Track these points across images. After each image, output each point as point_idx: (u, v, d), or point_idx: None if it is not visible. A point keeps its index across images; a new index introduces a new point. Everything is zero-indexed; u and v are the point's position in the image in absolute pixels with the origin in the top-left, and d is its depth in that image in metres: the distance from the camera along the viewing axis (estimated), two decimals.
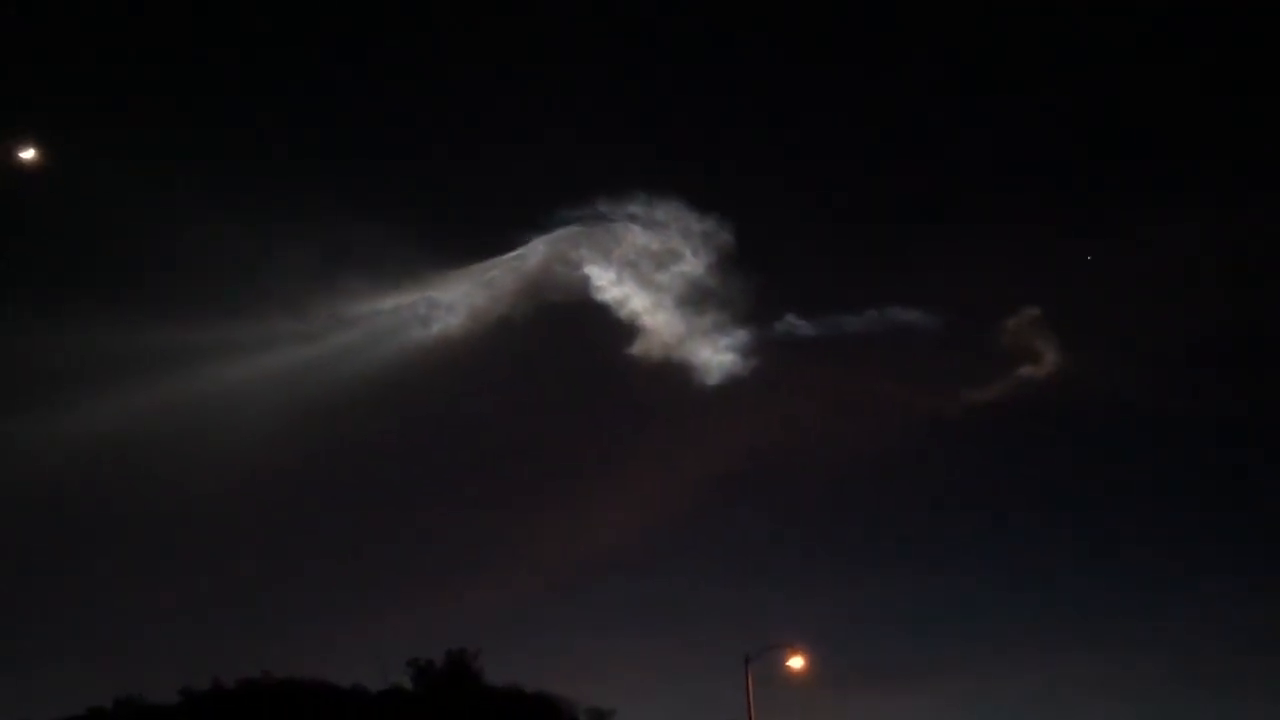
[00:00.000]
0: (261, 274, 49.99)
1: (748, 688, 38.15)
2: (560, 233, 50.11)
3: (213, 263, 49.81)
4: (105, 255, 49.45)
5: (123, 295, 48.93)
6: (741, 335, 51.63)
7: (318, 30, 50.50)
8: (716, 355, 51.49)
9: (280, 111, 51.36)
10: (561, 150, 51.79)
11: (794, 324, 52.20)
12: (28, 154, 45.19)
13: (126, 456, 47.63)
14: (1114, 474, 54.58)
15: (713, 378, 51.54)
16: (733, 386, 51.53)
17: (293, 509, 50.71)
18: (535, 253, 50.24)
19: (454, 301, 50.28)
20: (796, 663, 38.12)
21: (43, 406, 46.97)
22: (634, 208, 50.10)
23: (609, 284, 50.63)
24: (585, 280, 50.47)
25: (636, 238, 50.70)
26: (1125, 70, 51.68)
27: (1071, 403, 53.13)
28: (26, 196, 46.02)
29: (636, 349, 51.11)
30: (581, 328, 51.41)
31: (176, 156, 49.26)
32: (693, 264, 50.85)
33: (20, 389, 46.90)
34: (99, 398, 47.06)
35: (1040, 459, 55.02)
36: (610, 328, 50.75)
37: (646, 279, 50.96)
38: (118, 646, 45.64)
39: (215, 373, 48.47)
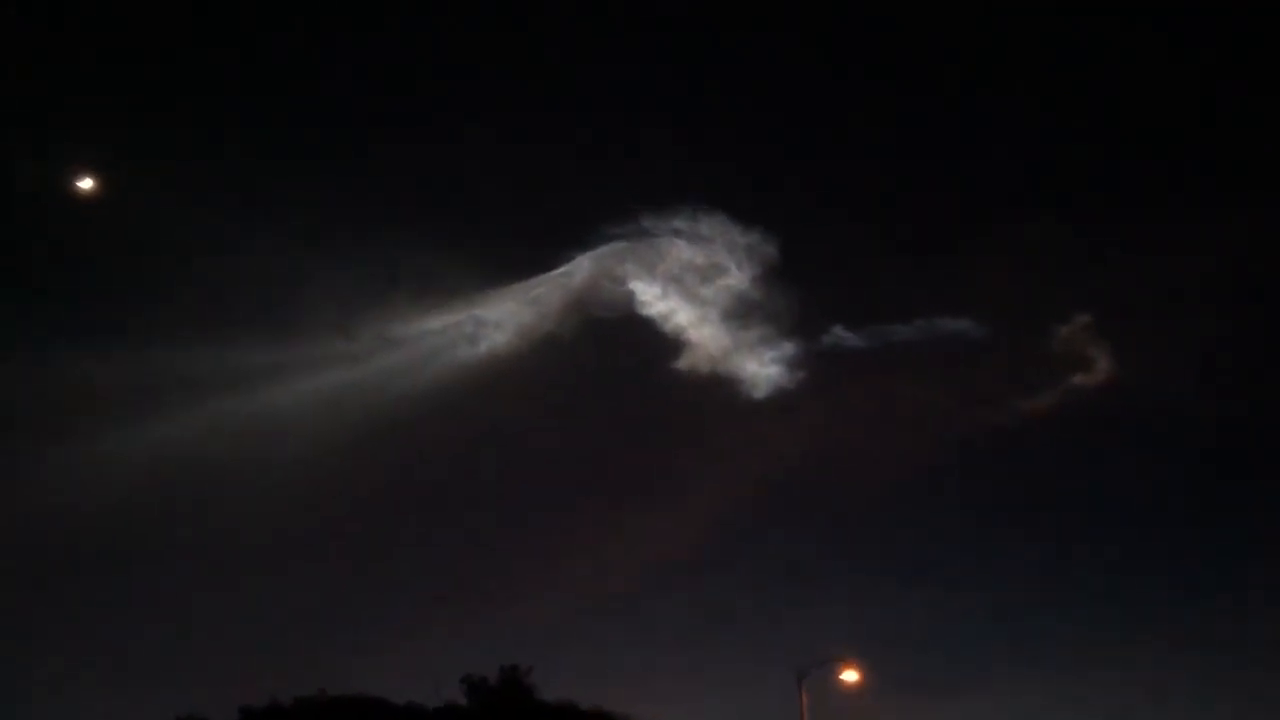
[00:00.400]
0: (310, 296, 50.75)
1: (801, 706, 38.00)
2: (605, 249, 50.47)
3: (262, 286, 50.67)
4: (157, 281, 50.50)
5: (175, 320, 49.97)
6: (788, 348, 51.56)
7: (361, 55, 51.21)
8: (763, 368, 51.45)
9: (327, 136, 52.02)
10: (605, 167, 52.25)
11: (841, 336, 52.05)
12: (85, 184, 46.72)
13: (178, 478, 48.39)
14: (1170, 483, 53.54)
15: (759, 391, 51.49)
16: (780, 399, 51.48)
17: (344, 528, 51.10)
18: (581, 269, 50.64)
19: (501, 319, 50.76)
20: (850, 675, 37.94)
21: (95, 429, 47.88)
22: (678, 223, 50.36)
23: (654, 299, 50.88)
24: (630, 296, 50.76)
25: (681, 252, 50.92)
26: (1177, 70, 51.15)
27: (1125, 411, 52.24)
28: (83, 225, 47.53)
29: (683, 363, 51.24)
30: (627, 343, 51.66)
31: (226, 184, 50.24)
32: (738, 277, 50.94)
33: (74, 412, 47.75)
34: (151, 420, 48.03)
35: (1093, 468, 54.01)
36: (656, 342, 50.99)
37: (692, 293, 51.13)
38: (175, 666, 46.14)
39: (266, 394, 49.19)
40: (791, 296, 51.36)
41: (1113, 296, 52.08)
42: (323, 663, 46.03)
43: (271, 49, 50.53)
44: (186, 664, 46.29)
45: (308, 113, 51.93)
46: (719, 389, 51.13)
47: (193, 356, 48.57)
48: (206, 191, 49.25)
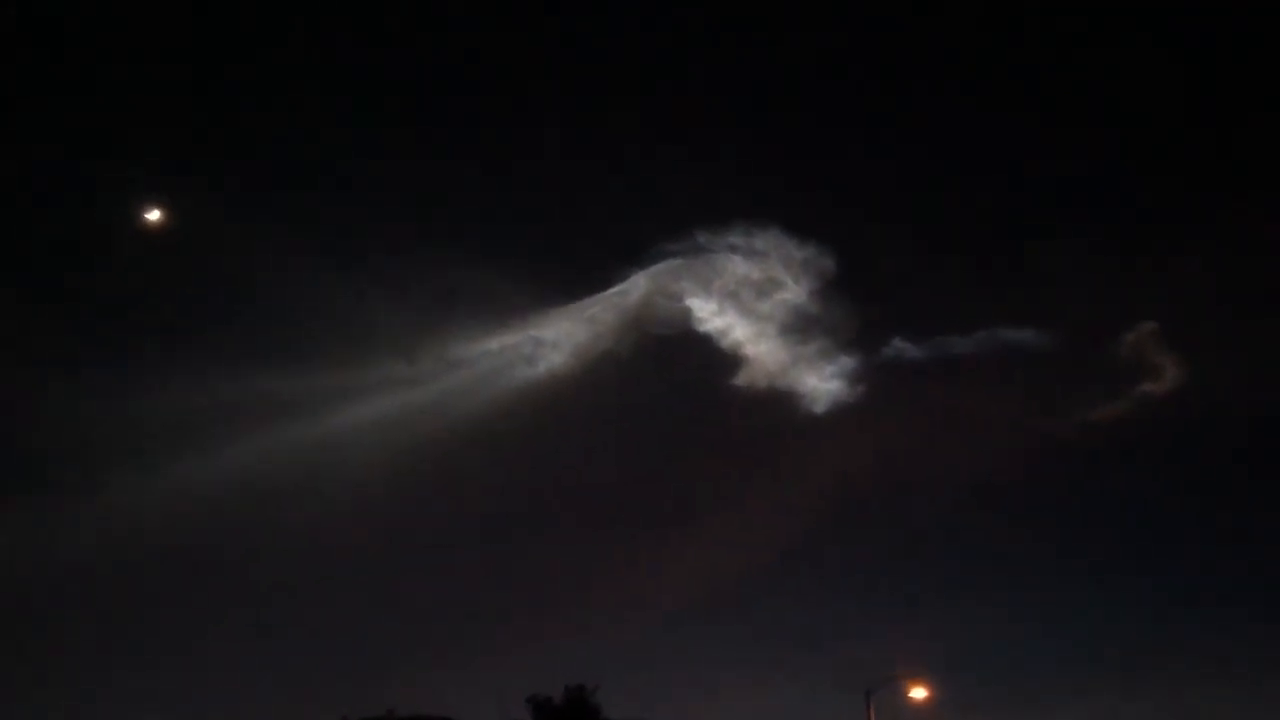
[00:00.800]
0: (373, 321, 51.49)
1: None
2: (661, 266, 50.52)
3: (326, 313, 51.48)
4: (224, 310, 51.65)
5: (240, 347, 51.06)
6: (847, 361, 51.21)
7: (419, 82, 51.97)
8: (823, 383, 51.13)
9: (388, 166, 52.82)
10: (659, 184, 52.30)
11: (901, 348, 51.61)
12: (153, 216, 47.95)
13: (246, 502, 49.19)
14: (1242, 492, 52.23)
15: (820, 405, 51.17)
16: (840, 413, 51.08)
17: (409, 549, 51.61)
18: (636, 287, 50.73)
19: (558, 339, 51.06)
20: (919, 693, 37.48)
21: (163, 456, 49.03)
22: (733, 238, 50.24)
23: (711, 315, 50.79)
24: (687, 312, 50.74)
25: (737, 268, 50.80)
26: (1239, 69, 50.24)
27: (1195, 419, 50.93)
28: (151, 256, 48.73)
29: (741, 379, 51.08)
30: (685, 360, 51.63)
31: (288, 214, 51.25)
32: (795, 291, 50.69)
33: (142, 440, 48.89)
34: (220, 446, 48.96)
35: (1163, 478, 52.72)
36: (714, 359, 50.90)
37: (749, 308, 50.99)
38: (244, 688, 46.80)
39: (331, 418, 49.96)
40: (850, 309, 51.10)
41: (1179, 301, 51.08)
42: (391, 683, 46.51)
43: (333, 83, 51.51)
44: (255, 686, 47.00)
45: (368, 143, 52.86)
46: (778, 404, 51.00)
47: (259, 382, 49.49)
48: (270, 222, 50.27)
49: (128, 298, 50.39)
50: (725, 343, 50.90)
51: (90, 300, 50.30)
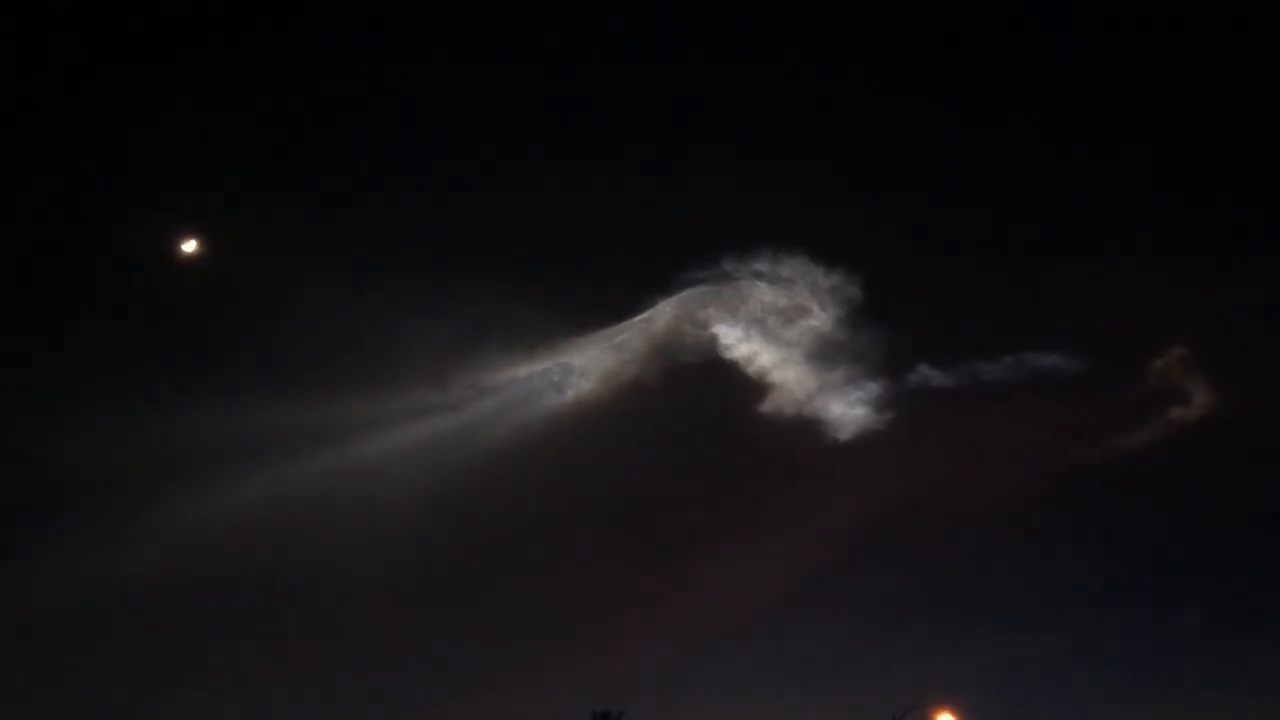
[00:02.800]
0: (404, 349, 52.18)
1: None
2: (687, 293, 50.98)
3: (358, 341, 52.18)
4: (256, 340, 52.35)
5: (274, 376, 51.68)
6: (873, 388, 51.26)
7: (447, 110, 52.69)
8: (849, 410, 51.19)
9: (418, 194, 53.58)
10: (686, 212, 52.57)
11: (927, 374, 51.56)
12: (188, 246, 49.01)
13: (276, 528, 49.80)
14: (1278, 519, 51.40)
15: (845, 433, 51.22)
16: (866, 441, 51.09)
17: (439, 574, 52.00)
18: (663, 315, 51.20)
19: (586, 366, 51.65)
20: None
21: (196, 483, 49.62)
22: (759, 265, 50.60)
23: (737, 342, 51.14)
24: (713, 339, 51.12)
25: (763, 295, 51.11)
26: (1268, 96, 49.87)
27: (1226, 445, 50.25)
28: (185, 286, 49.70)
29: (767, 406, 51.26)
30: (712, 387, 51.85)
31: (319, 243, 52.06)
32: (821, 318, 50.91)
33: (175, 467, 49.58)
34: (252, 473, 49.60)
35: (1194, 505, 51.75)
36: (740, 386, 51.15)
37: (775, 335, 51.25)
38: (278, 710, 47.34)
39: (364, 446, 50.69)
40: (876, 336, 51.23)
41: (1208, 326, 50.75)
42: (421, 708, 46.82)
43: (366, 113, 52.30)
44: (284, 710, 47.46)
45: (400, 173, 53.55)
46: (804, 431, 51.10)
47: (292, 410, 50.22)
48: (302, 251, 51.07)
49: (160, 326, 51.34)
50: (751, 370, 51.25)
51: (123, 329, 51.17)
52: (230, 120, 50.91)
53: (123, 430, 49.46)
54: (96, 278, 50.03)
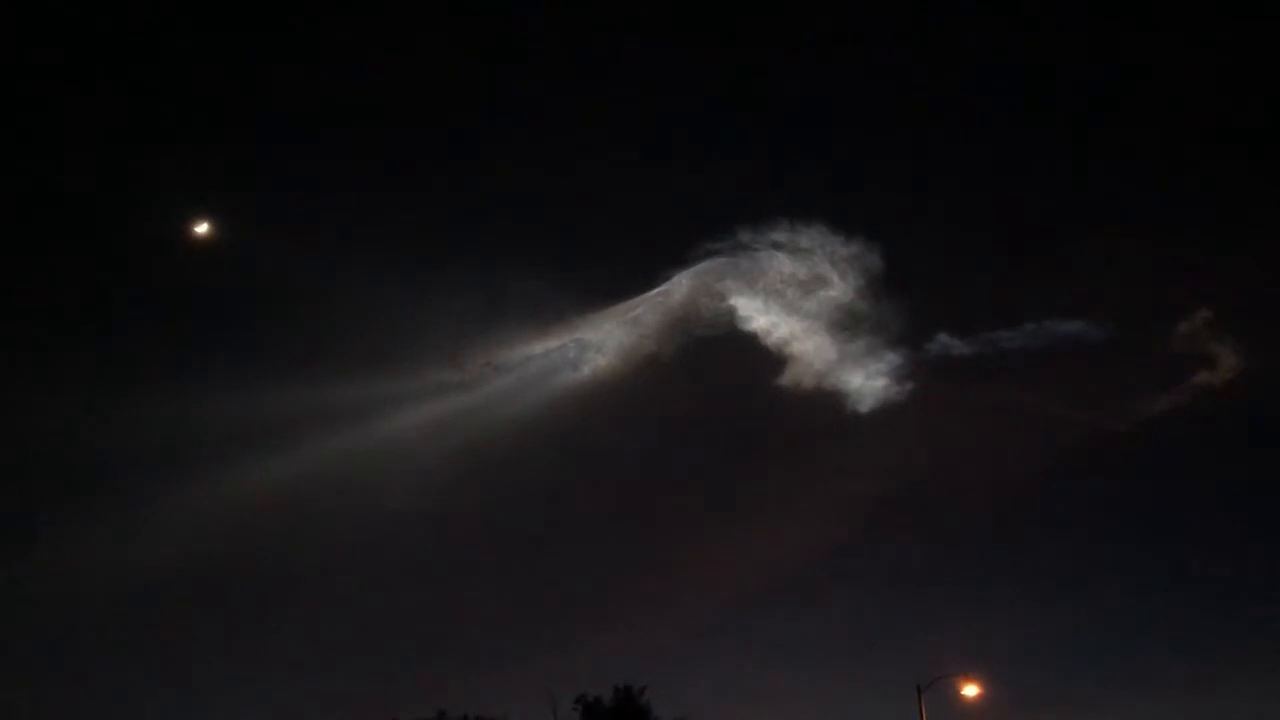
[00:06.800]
0: (419, 328, 51.99)
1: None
2: (704, 265, 50.44)
3: (373, 320, 52.08)
4: (272, 320, 52.43)
5: (289, 356, 51.78)
6: (893, 359, 50.76)
7: (455, 87, 52.43)
8: (869, 381, 50.71)
9: (430, 171, 53.43)
10: (701, 182, 52.18)
11: (948, 344, 51.01)
12: (201, 229, 48.91)
13: (294, 508, 49.86)
14: None
15: (866, 404, 50.75)
16: (887, 411, 50.62)
17: (457, 551, 51.99)
18: (679, 288, 50.71)
19: (602, 342, 51.28)
20: (971, 690, 37.05)
21: (213, 465, 49.74)
22: (777, 235, 50.03)
23: (756, 314, 50.60)
24: (731, 312, 50.61)
25: (782, 266, 50.54)
26: None
27: (1255, 409, 49.48)
28: (199, 268, 49.66)
29: (787, 378, 50.81)
30: (730, 360, 51.43)
31: (334, 221, 51.97)
32: (840, 289, 50.34)
33: (193, 450, 49.77)
34: (269, 454, 49.61)
35: (1222, 471, 51.23)
36: (759, 358, 50.68)
37: (794, 306, 50.71)
38: (294, 690, 47.37)
39: (381, 424, 50.57)
40: (896, 306, 50.67)
41: (1235, 287, 49.78)
42: (440, 684, 46.75)
43: (377, 92, 52.04)
44: (307, 688, 47.51)
45: (411, 151, 53.39)
46: (824, 402, 50.66)
47: (308, 390, 50.14)
48: (315, 231, 50.93)
49: (175, 309, 51.51)
50: (770, 341, 50.77)
51: (138, 313, 51.46)
52: (248, 104, 51.08)
53: (141, 414, 49.61)
54: (107, 261, 50.16)
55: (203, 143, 50.46)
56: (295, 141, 51.97)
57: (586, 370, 51.33)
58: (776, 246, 50.13)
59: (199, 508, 49.19)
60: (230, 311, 52.13)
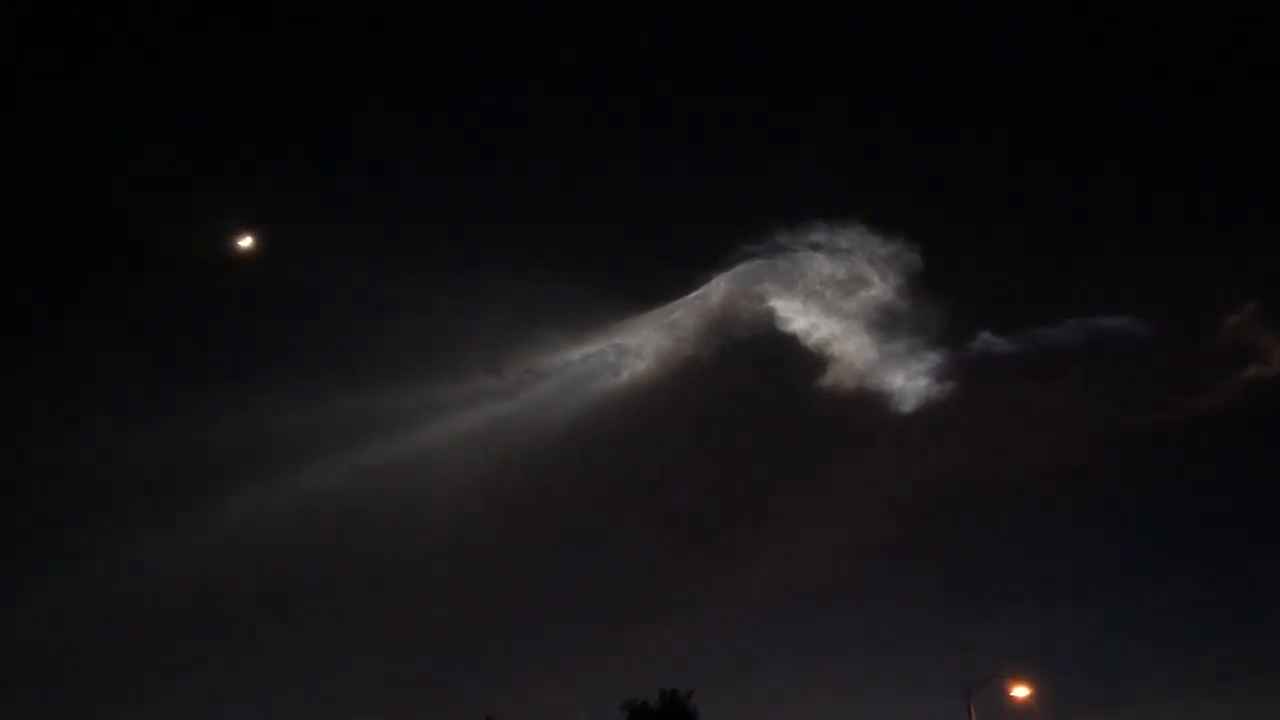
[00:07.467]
0: (459, 336, 52.27)
1: None
2: (742, 268, 50.36)
3: (414, 330, 52.34)
4: (315, 332, 52.76)
5: (332, 367, 52.15)
6: (935, 358, 50.43)
7: (494, 95, 52.65)
8: (910, 380, 50.40)
9: (468, 180, 53.63)
10: (738, 185, 52.03)
11: (990, 342, 50.59)
12: (245, 243, 49.43)
13: (338, 517, 50.24)
14: None
15: (908, 404, 50.43)
16: (929, 411, 50.35)
17: (502, 557, 52.06)
18: (717, 291, 50.65)
19: (640, 346, 51.28)
20: (1021, 691, 36.62)
21: (258, 476, 50.09)
22: (815, 236, 49.87)
23: (795, 315, 50.43)
24: (771, 313, 50.48)
25: (821, 266, 50.38)
26: None
27: None
28: (243, 281, 50.19)
29: (828, 379, 50.59)
30: (770, 362, 51.24)
31: (372, 233, 52.23)
32: (880, 288, 50.10)
33: (238, 460, 50.06)
34: (317, 464, 50.06)
35: (1272, 468, 50.27)
36: (799, 360, 50.49)
37: (833, 307, 50.51)
38: (339, 697, 47.66)
39: (422, 433, 50.88)
40: (936, 305, 50.33)
41: None
42: (486, 690, 46.90)
43: (417, 102, 52.42)
44: (354, 696, 47.80)
45: (450, 159, 53.75)
46: (866, 403, 50.41)
47: (351, 400, 50.67)
48: (355, 241, 51.33)
49: (218, 323, 52.01)
50: (810, 343, 50.59)
51: (184, 326, 51.99)
52: (283, 116, 51.52)
53: (178, 427, 50.11)
54: (151, 274, 50.73)
55: (242, 156, 51.02)
56: (335, 154, 52.51)
57: (625, 375, 51.48)
58: (815, 247, 50.06)
59: (239, 518, 49.70)
60: (269, 323, 52.74)
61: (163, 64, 49.69)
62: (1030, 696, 36.65)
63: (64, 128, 49.00)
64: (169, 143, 49.60)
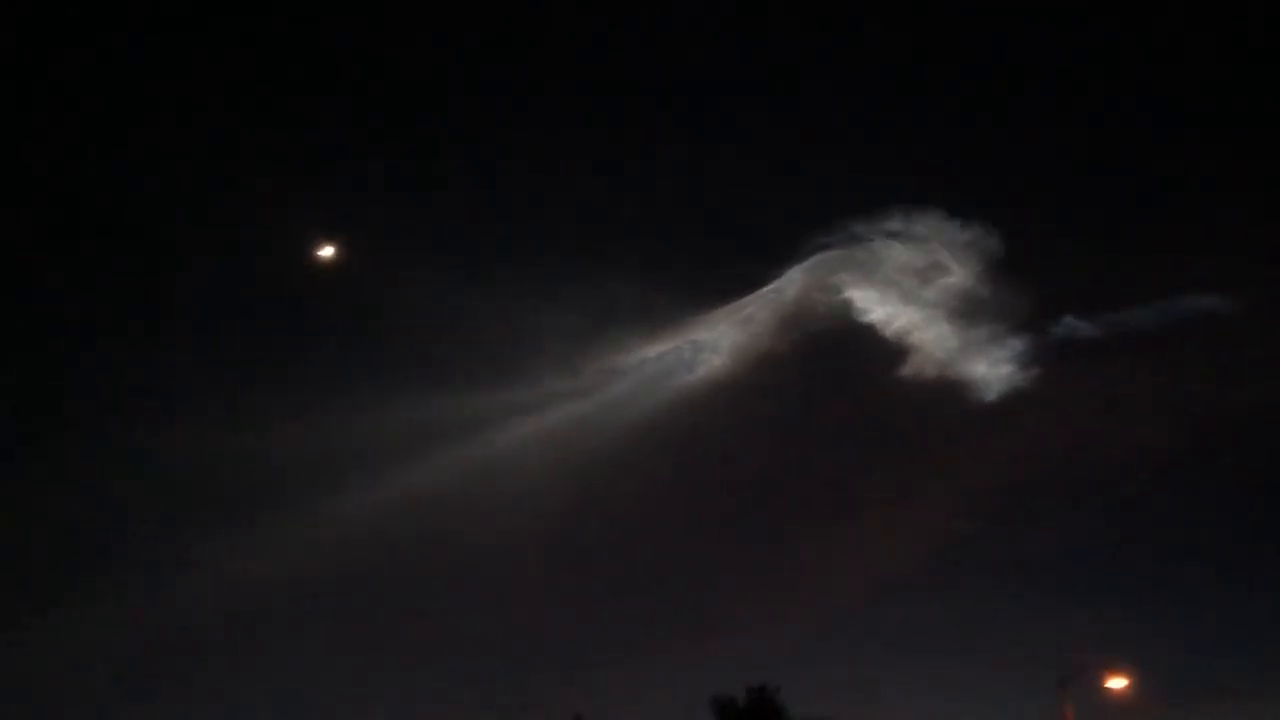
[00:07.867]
0: (535, 337, 52.61)
1: (1064, 716, 36.27)
2: (817, 259, 49.97)
3: (490, 332, 52.71)
4: (391, 337, 53.31)
5: (410, 372, 52.65)
6: (1017, 344, 49.52)
7: (569, 93, 52.85)
8: (993, 368, 49.63)
9: (543, 180, 53.87)
10: (809, 174, 51.71)
11: (1074, 326, 49.63)
12: (325, 251, 50.28)
13: (419, 521, 50.61)
14: None
15: (991, 393, 49.67)
16: (1013, 399, 49.47)
17: (582, 556, 52.26)
18: (792, 283, 50.28)
19: (716, 342, 51.15)
20: (1118, 683, 35.89)
21: (339, 482, 50.88)
22: (892, 224, 49.33)
23: (872, 305, 49.98)
24: (847, 304, 50.08)
25: (898, 255, 49.83)
26: None
27: None
28: (323, 287, 51.07)
29: (908, 369, 50.02)
30: (848, 353, 50.83)
31: (451, 238, 52.77)
32: (960, 275, 49.42)
33: (320, 467, 50.89)
34: (396, 468, 50.72)
35: None
36: (878, 351, 50.01)
37: (912, 296, 49.94)
38: (422, 696, 48.19)
39: (499, 436, 51.35)
40: (1019, 289, 49.43)
41: None
42: (571, 689, 47.11)
43: (490, 104, 52.85)
44: (434, 691, 48.31)
45: (525, 161, 53.85)
46: (947, 393, 49.72)
47: (429, 405, 51.15)
48: (432, 246, 51.93)
49: (297, 330, 52.93)
50: (889, 332, 50.09)
51: (268, 334, 52.95)
52: (361, 121, 52.26)
53: (262, 434, 51.02)
54: (233, 283, 51.77)
55: (324, 161, 51.97)
56: (409, 159, 53.11)
57: (701, 371, 51.41)
58: (891, 235, 49.50)
59: (323, 523, 50.37)
60: (346, 331, 53.41)
61: (251, 68, 50.72)
62: (1127, 688, 35.97)
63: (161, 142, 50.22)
64: (249, 157, 50.78)
